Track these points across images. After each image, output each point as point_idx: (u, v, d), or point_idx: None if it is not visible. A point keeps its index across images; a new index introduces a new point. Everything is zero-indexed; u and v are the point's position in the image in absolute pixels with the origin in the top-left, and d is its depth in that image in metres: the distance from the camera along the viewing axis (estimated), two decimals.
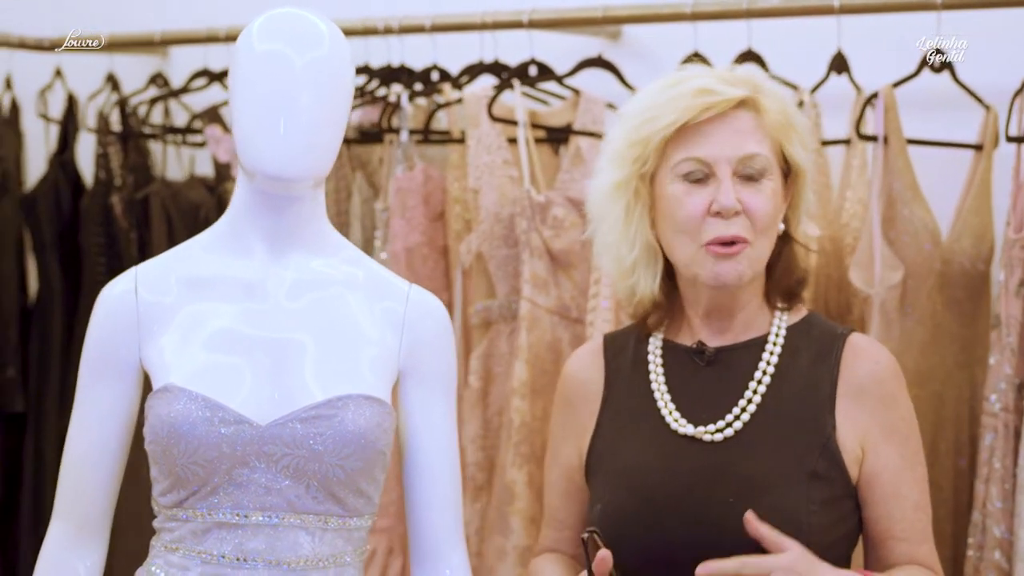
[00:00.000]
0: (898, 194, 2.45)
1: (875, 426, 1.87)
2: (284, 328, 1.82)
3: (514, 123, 2.74)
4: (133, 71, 3.42)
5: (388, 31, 2.90)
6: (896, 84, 2.48)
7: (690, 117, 1.85)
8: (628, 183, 1.90)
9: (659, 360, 1.95)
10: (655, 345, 1.97)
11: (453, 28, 2.88)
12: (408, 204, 2.83)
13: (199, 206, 3.04)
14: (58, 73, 3.37)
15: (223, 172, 3.07)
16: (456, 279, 2.83)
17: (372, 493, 1.85)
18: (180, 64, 3.42)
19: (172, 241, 3.09)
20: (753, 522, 1.75)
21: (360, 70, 2.97)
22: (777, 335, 1.92)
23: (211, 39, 3.07)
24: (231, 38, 2.97)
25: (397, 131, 2.85)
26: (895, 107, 2.45)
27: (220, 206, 3.05)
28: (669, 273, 1.93)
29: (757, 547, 1.77)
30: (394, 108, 2.85)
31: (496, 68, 2.87)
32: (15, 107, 3.38)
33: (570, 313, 2.74)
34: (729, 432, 1.87)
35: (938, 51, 2.51)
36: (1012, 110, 2.40)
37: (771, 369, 1.90)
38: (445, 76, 2.93)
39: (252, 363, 1.80)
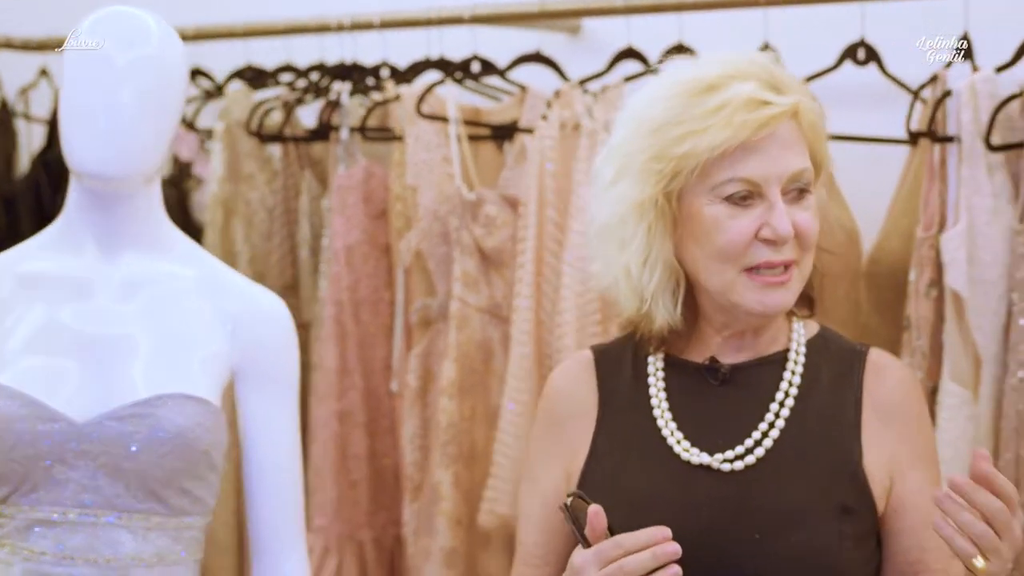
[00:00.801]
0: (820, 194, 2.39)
1: (903, 451, 1.73)
2: (114, 326, 1.86)
3: (445, 120, 2.74)
4: None
5: (340, 28, 2.92)
6: (810, 78, 2.42)
7: (747, 136, 1.65)
8: (651, 202, 1.69)
9: (661, 378, 1.78)
10: (655, 364, 1.79)
11: (402, 24, 2.89)
12: (348, 202, 2.85)
13: (178, 200, 3.10)
14: (43, 72, 3.45)
15: (185, 170, 3.13)
16: (398, 277, 2.84)
17: (201, 493, 1.87)
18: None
19: None
20: (981, 460, 1.55)
21: (314, 68, 3.01)
22: (798, 352, 1.76)
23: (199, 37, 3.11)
24: (214, 36, 3.03)
25: (337, 128, 2.87)
26: (814, 108, 2.38)
27: (181, 203, 3.10)
28: (688, 295, 1.75)
29: None
30: (334, 106, 2.87)
31: (442, 64, 2.88)
32: (5, 107, 3.47)
33: (501, 312, 2.73)
34: (750, 460, 1.70)
35: (862, 44, 2.44)
36: (914, 106, 2.33)
37: (794, 390, 1.74)
38: (396, 73, 2.94)
39: (80, 361, 1.84)
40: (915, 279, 2.31)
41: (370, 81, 2.96)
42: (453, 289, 2.72)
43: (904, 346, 2.32)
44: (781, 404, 1.73)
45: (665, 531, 1.59)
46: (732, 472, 1.70)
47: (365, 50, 2.99)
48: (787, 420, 1.72)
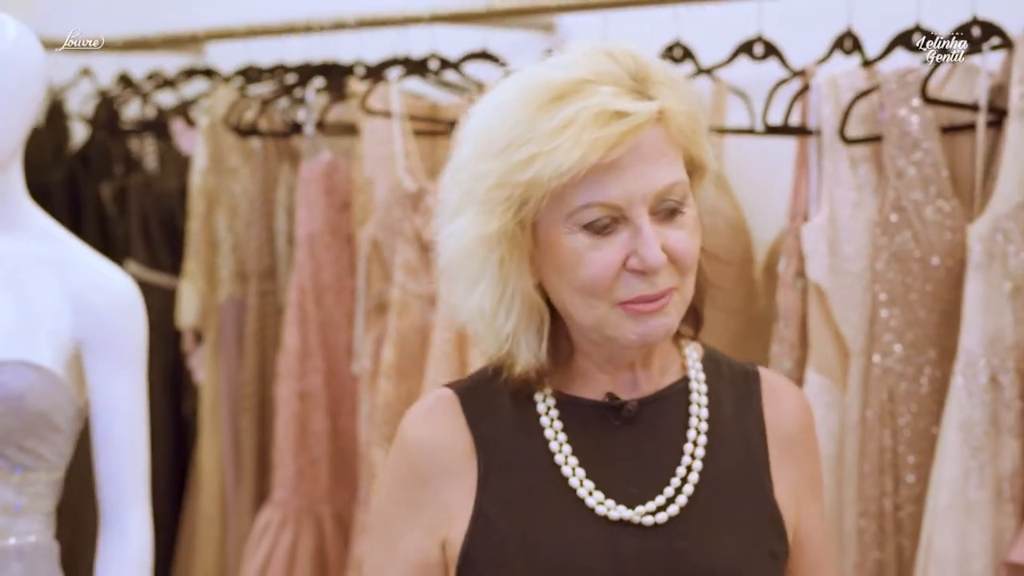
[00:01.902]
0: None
1: (803, 481, 1.62)
2: None
3: (389, 115, 2.91)
4: (166, 68, 3.78)
5: (309, 29, 3.13)
6: (699, 72, 2.51)
7: (599, 157, 1.43)
8: (502, 233, 1.49)
9: (557, 422, 1.58)
10: (546, 403, 1.58)
11: (376, 24, 3.07)
12: (310, 194, 3.05)
13: (170, 194, 3.36)
14: (84, 72, 3.76)
15: (186, 163, 3.38)
16: (360, 265, 3.03)
17: (43, 451, 2.09)
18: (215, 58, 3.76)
19: (145, 227, 3.43)
20: None
21: (299, 67, 3.22)
22: (698, 380, 1.61)
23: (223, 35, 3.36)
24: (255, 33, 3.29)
25: (301, 126, 3.08)
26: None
27: (182, 194, 3.35)
28: (555, 328, 1.57)
29: None
30: (299, 103, 3.08)
31: (404, 62, 3.05)
32: (56, 105, 3.80)
33: (438, 299, 2.89)
34: (673, 510, 1.54)
35: (759, 40, 2.52)
36: (770, 101, 2.40)
37: (703, 425, 1.59)
38: (369, 71, 3.13)
39: None
40: (783, 269, 2.37)
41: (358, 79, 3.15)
42: (395, 277, 2.89)
43: (774, 335, 2.39)
44: (695, 443, 1.57)
45: None
46: (656, 526, 1.53)
47: (373, 48, 3.18)
48: (703, 460, 1.56)
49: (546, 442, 1.56)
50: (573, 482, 1.54)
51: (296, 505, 3.05)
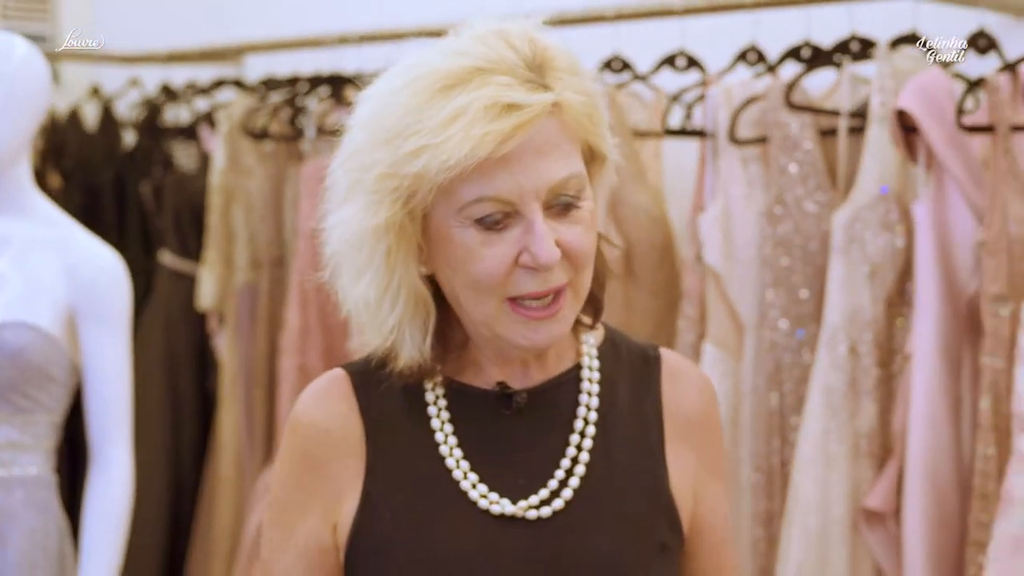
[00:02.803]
0: (622, 180, 2.87)
1: (703, 466, 1.61)
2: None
3: None
4: (204, 78, 4.26)
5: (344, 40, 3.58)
6: (620, 86, 2.90)
7: (488, 151, 1.40)
8: (390, 224, 1.45)
9: (444, 408, 1.56)
10: (435, 392, 1.56)
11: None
12: (310, 190, 3.49)
13: (199, 192, 3.83)
14: (134, 82, 4.26)
15: (209, 162, 3.84)
16: None
17: (42, 398, 2.54)
18: (253, 70, 4.23)
19: (177, 221, 3.90)
20: None
21: (311, 78, 3.67)
22: (591, 367, 1.59)
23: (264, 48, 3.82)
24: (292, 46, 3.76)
25: (303, 129, 3.52)
26: (618, 104, 2.87)
27: (204, 191, 3.82)
28: (443, 321, 1.54)
29: None
30: (300, 111, 3.53)
31: None
32: (108, 112, 4.29)
33: None
34: (558, 504, 1.52)
35: (682, 53, 2.90)
36: (672, 104, 2.78)
37: (593, 414, 1.57)
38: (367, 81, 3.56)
39: None
40: (686, 255, 2.75)
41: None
42: None
43: (679, 312, 2.77)
44: (582, 434, 1.55)
45: None
46: (539, 520, 1.51)
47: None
48: (591, 451, 1.54)
49: (432, 432, 1.54)
50: (457, 474, 1.52)
51: None
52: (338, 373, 1.58)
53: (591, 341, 1.59)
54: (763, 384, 2.68)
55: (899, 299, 2.55)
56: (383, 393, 1.55)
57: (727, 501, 1.64)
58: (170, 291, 3.87)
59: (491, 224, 1.44)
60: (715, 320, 2.73)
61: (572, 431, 1.54)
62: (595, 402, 1.56)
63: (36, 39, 4.28)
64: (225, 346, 3.73)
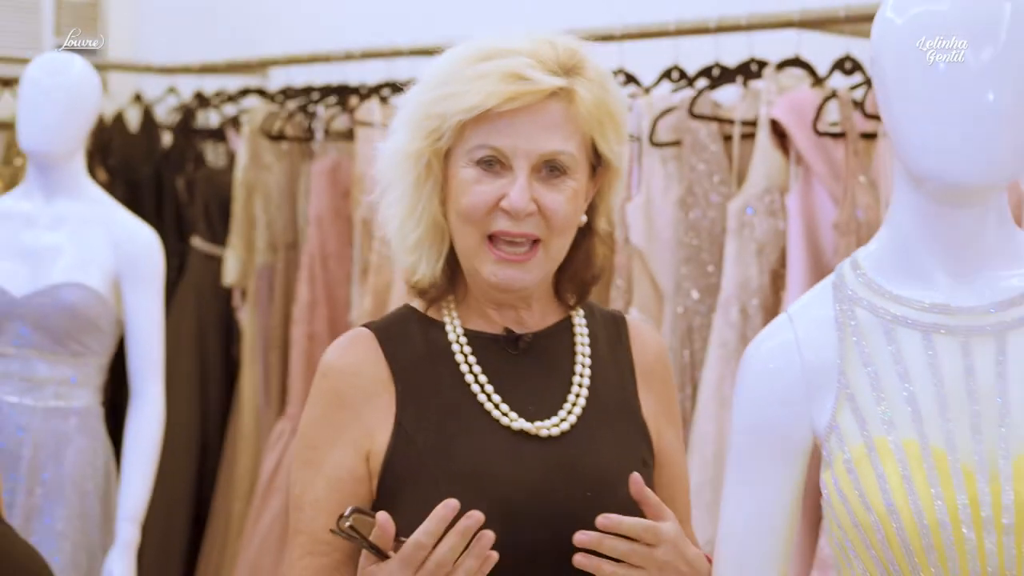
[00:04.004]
0: None
1: (662, 409, 1.92)
2: (47, 243, 3.25)
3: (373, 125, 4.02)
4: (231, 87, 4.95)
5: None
6: None
7: (494, 104, 1.73)
8: (421, 155, 1.79)
9: (468, 350, 1.84)
10: (456, 333, 1.85)
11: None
12: (319, 184, 4.17)
13: (226, 185, 4.51)
14: (171, 90, 4.96)
15: (234, 158, 4.53)
16: (355, 238, 4.13)
17: (91, 343, 3.22)
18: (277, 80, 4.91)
19: (207, 210, 4.58)
20: (640, 484, 1.73)
21: (323, 88, 4.34)
22: (579, 322, 1.91)
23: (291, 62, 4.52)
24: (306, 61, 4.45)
25: (314, 132, 4.21)
26: None
27: (230, 184, 4.50)
28: (454, 256, 1.84)
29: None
30: (311, 116, 4.21)
31: (392, 86, 4.15)
32: (148, 114, 4.99)
33: None
34: (565, 426, 1.82)
35: (620, 71, 3.56)
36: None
37: (587, 359, 1.88)
38: (369, 91, 4.23)
39: (25, 262, 3.24)
40: (617, 236, 3.41)
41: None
42: (374, 245, 3.99)
43: (612, 283, 3.43)
44: (580, 373, 1.86)
45: (451, 504, 1.65)
46: (550, 438, 1.80)
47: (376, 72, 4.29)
48: (588, 387, 1.86)
49: (456, 366, 1.82)
50: (481, 398, 1.80)
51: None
52: (362, 330, 1.86)
53: (572, 303, 1.92)
54: (677, 343, 3.33)
55: (782, 271, 3.19)
56: (406, 341, 1.84)
57: (682, 445, 1.95)
58: (200, 271, 4.55)
59: (486, 167, 1.76)
60: (639, 290, 3.38)
61: (573, 372, 1.86)
62: (587, 350, 1.88)
63: (86, 52, 5.00)
64: (246, 317, 4.41)
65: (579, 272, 1.88)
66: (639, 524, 1.69)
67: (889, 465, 1.57)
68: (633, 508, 1.74)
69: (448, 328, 1.84)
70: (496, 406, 1.80)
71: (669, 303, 3.36)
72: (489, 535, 1.65)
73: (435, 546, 1.65)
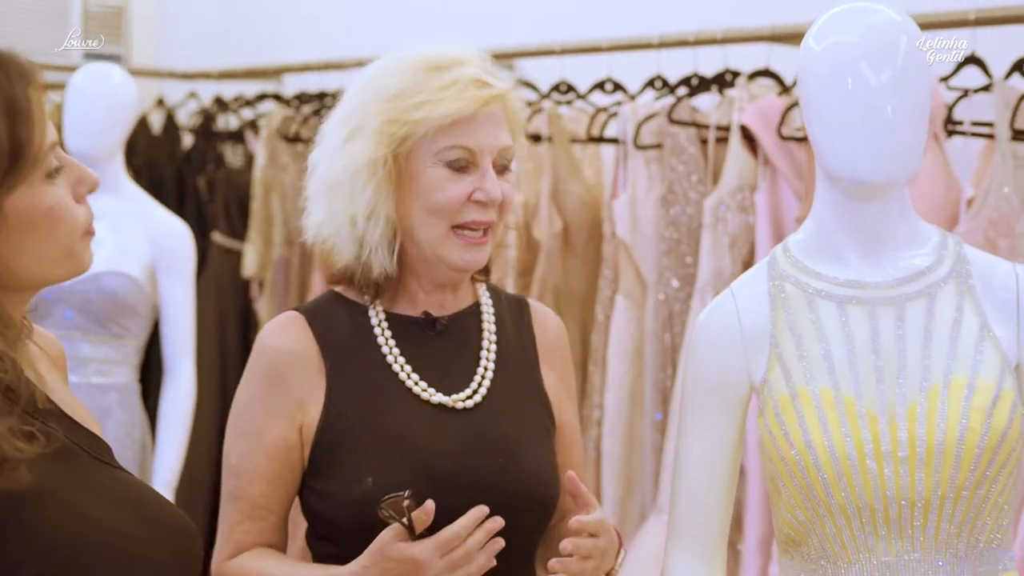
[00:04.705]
0: (562, 174, 3.92)
1: (561, 384, 2.15)
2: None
3: None
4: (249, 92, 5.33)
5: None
6: (568, 103, 3.95)
7: (474, 109, 1.95)
8: (381, 161, 1.95)
9: (387, 331, 2.03)
10: (378, 317, 2.04)
11: None
12: None
13: (244, 184, 4.90)
14: (192, 95, 5.35)
15: (251, 159, 4.91)
16: None
17: (131, 326, 3.61)
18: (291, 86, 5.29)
19: (227, 208, 4.97)
20: (575, 480, 1.94)
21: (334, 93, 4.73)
22: (486, 305, 2.13)
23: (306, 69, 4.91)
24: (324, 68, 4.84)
25: None
26: (558, 117, 3.91)
27: (248, 184, 4.89)
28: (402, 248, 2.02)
29: (522, 505, 1.97)
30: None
31: None
32: (171, 118, 5.38)
33: None
34: (477, 398, 2.04)
35: (609, 80, 3.94)
36: (593, 121, 3.83)
37: (493, 336, 2.10)
38: None
39: None
40: (605, 230, 3.80)
41: None
42: None
43: (600, 273, 3.81)
44: (488, 350, 2.09)
45: (483, 509, 1.87)
46: (464, 410, 2.02)
47: None
48: (495, 362, 2.08)
49: (379, 347, 2.02)
50: (402, 376, 2.01)
51: None
52: (292, 313, 2.06)
53: (483, 288, 2.15)
54: (659, 327, 3.71)
55: (752, 261, 3.57)
56: (333, 323, 2.03)
57: (577, 417, 2.21)
58: (220, 264, 4.93)
59: (457, 167, 1.98)
60: (625, 279, 3.76)
61: (481, 348, 2.08)
62: (493, 328, 2.11)
63: (112, 58, 5.40)
64: (263, 307, 4.79)
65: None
66: (594, 520, 1.92)
67: (808, 409, 1.96)
68: (537, 472, 2.02)
69: (371, 312, 2.04)
70: (416, 383, 2.02)
71: (652, 291, 3.74)
72: (500, 540, 1.88)
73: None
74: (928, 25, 3.06)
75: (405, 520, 1.84)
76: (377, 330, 2.04)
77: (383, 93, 1.98)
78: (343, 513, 1.96)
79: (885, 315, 1.99)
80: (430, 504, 1.85)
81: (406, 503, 1.83)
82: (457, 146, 1.98)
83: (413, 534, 1.86)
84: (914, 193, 2.97)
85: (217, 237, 4.96)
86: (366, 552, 1.88)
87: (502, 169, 2.03)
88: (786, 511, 2.00)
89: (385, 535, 1.87)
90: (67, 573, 1.54)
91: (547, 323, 2.19)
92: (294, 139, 4.70)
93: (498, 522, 1.88)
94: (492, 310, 2.14)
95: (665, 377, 3.70)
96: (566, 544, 1.91)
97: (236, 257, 4.87)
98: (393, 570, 1.86)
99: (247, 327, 4.95)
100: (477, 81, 1.98)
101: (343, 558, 1.93)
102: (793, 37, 3.51)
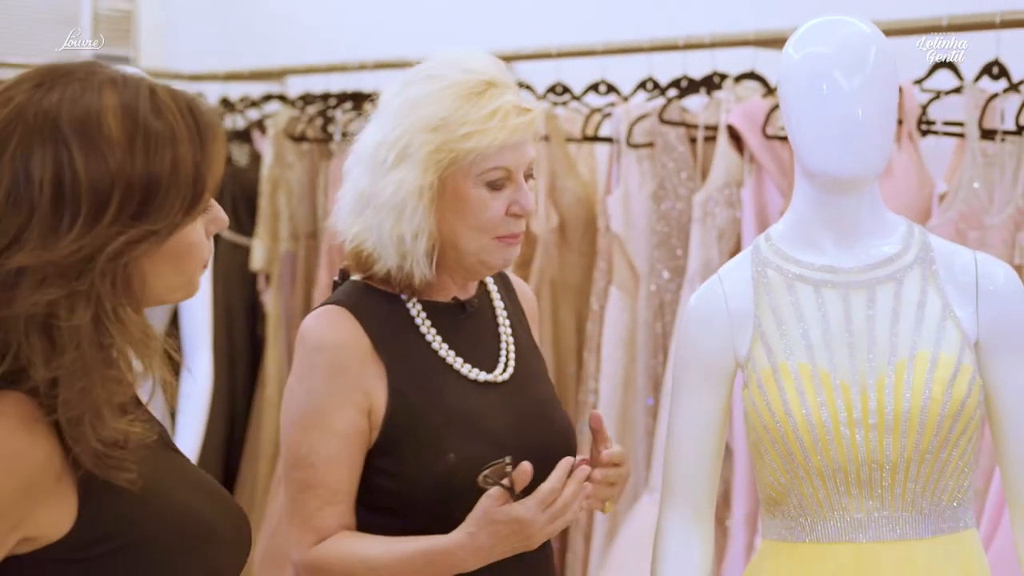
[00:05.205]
0: (558, 172, 4.15)
1: (539, 341, 2.41)
2: None
3: None
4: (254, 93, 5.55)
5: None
6: (564, 104, 4.18)
7: (518, 138, 2.12)
8: (431, 184, 2.10)
9: (427, 320, 2.20)
10: (416, 307, 2.20)
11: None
12: (338, 180, 4.75)
13: (251, 182, 5.12)
14: (199, 96, 5.56)
15: (259, 159, 5.13)
16: None
17: (150, 316, 3.83)
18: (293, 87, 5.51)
19: (234, 205, 5.19)
20: (599, 420, 2.17)
21: (342, 94, 4.95)
22: (491, 286, 2.33)
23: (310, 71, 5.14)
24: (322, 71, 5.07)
25: (332, 134, 4.82)
26: (555, 118, 4.14)
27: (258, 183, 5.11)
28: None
29: (561, 457, 2.10)
30: (329, 120, 4.83)
31: None
32: None
33: None
34: (510, 371, 2.25)
35: (602, 82, 4.17)
36: (588, 121, 4.06)
37: (504, 312, 2.31)
38: None
39: None
40: (600, 224, 4.03)
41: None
42: None
43: (595, 265, 4.03)
44: (504, 325, 2.29)
45: (570, 460, 2.07)
46: (503, 383, 2.23)
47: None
48: (512, 336, 2.29)
49: (422, 335, 2.19)
50: (448, 359, 2.20)
51: None
52: (334, 307, 2.17)
53: None
54: (651, 317, 3.94)
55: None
56: (373, 315, 2.16)
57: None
58: (228, 258, 5.13)
59: (497, 185, 2.13)
60: (619, 271, 3.98)
61: (498, 325, 2.28)
62: (502, 305, 2.31)
63: (120, 60, 5.62)
64: (270, 299, 5.01)
65: None
66: (619, 452, 2.16)
67: (788, 382, 2.19)
68: (567, 426, 2.27)
69: (408, 304, 2.20)
70: (460, 365, 2.20)
71: (644, 282, 3.96)
72: (589, 486, 2.07)
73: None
74: (903, 31, 3.30)
75: (506, 482, 2.01)
76: (418, 319, 2.20)
77: (427, 123, 2.11)
78: (422, 488, 2.11)
79: (857, 297, 2.22)
80: (527, 465, 2.02)
81: (508, 468, 2.01)
82: (499, 167, 2.13)
83: (513, 496, 2.02)
84: (891, 188, 3.23)
85: (225, 233, 5.17)
86: (470, 518, 2.04)
87: (527, 178, 2.19)
88: (768, 474, 2.23)
89: (486, 501, 2.03)
90: (160, 556, 1.68)
91: (526, 292, 2.40)
92: (300, 138, 4.92)
93: (585, 471, 2.06)
94: (495, 287, 2.33)
95: (656, 364, 3.92)
96: (596, 474, 2.11)
97: (244, 252, 5.07)
98: (500, 531, 2.02)
99: (254, 319, 5.16)
100: (517, 108, 2.13)
101: (405, 531, 2.11)
102: (777, 42, 3.72)
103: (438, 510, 2.10)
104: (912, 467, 2.15)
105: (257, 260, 4.98)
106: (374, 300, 2.18)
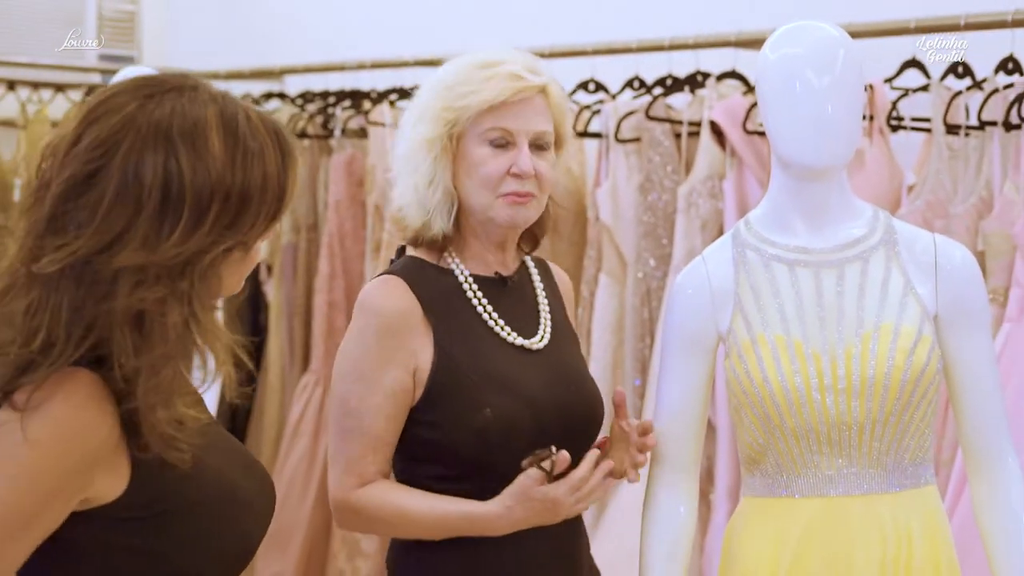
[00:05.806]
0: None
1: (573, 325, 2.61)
2: None
3: (384, 125, 4.85)
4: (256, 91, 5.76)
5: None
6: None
7: (505, 97, 2.34)
8: (439, 140, 2.36)
9: (476, 288, 2.42)
10: (464, 276, 2.42)
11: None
12: (337, 174, 5.00)
13: None
14: None
15: None
16: (368, 220, 4.96)
17: None
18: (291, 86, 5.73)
19: None
20: (623, 396, 2.43)
21: (340, 92, 5.18)
22: (531, 265, 2.55)
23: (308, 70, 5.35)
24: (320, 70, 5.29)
25: (332, 131, 5.05)
26: None
27: None
28: (459, 214, 2.40)
29: (589, 423, 2.44)
30: (329, 117, 5.05)
31: (400, 91, 4.98)
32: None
33: None
34: (546, 340, 2.46)
35: (592, 80, 4.40)
36: (578, 118, 4.29)
37: (543, 291, 2.52)
38: (380, 96, 5.07)
39: None
40: (589, 215, 4.26)
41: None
42: (386, 225, 4.83)
43: (585, 254, 4.27)
44: (543, 301, 2.51)
45: (596, 453, 2.33)
46: (539, 350, 2.44)
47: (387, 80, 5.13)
48: (550, 311, 2.51)
49: (469, 301, 2.41)
50: (492, 324, 2.42)
51: (324, 372, 4.98)
52: (391, 277, 2.39)
53: (524, 251, 2.55)
54: (638, 302, 4.17)
55: None
56: (425, 284, 2.39)
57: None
58: None
59: (497, 144, 2.37)
60: (607, 259, 4.22)
61: (538, 300, 2.51)
62: (541, 285, 2.53)
63: (125, 59, 5.83)
64: (272, 289, 5.24)
65: (536, 226, 2.50)
66: (648, 421, 2.45)
67: (765, 351, 2.43)
68: (595, 395, 2.49)
69: (456, 273, 2.43)
70: (502, 328, 2.43)
71: (631, 269, 4.20)
72: (612, 479, 2.37)
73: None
74: (871, 32, 3.54)
75: (547, 465, 2.27)
76: (465, 286, 2.43)
77: (440, 86, 2.40)
78: (460, 439, 2.34)
79: (827, 275, 2.46)
80: (565, 454, 2.27)
81: (553, 455, 2.27)
82: (496, 127, 2.37)
83: (550, 478, 2.28)
84: (863, 180, 3.48)
85: None
86: (508, 493, 2.30)
87: (538, 150, 2.40)
88: (748, 436, 2.47)
89: (526, 480, 2.28)
90: (200, 521, 1.81)
91: (563, 278, 2.63)
92: (301, 135, 5.14)
93: (609, 464, 2.32)
94: (536, 270, 2.56)
95: (644, 347, 4.16)
96: (633, 436, 2.41)
97: None
98: (535, 507, 2.29)
99: (256, 307, 5.38)
100: (513, 75, 2.37)
101: (447, 478, 2.35)
102: (758, 43, 3.94)
103: (474, 459, 2.33)
104: (877, 428, 2.39)
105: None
106: (426, 271, 2.42)
